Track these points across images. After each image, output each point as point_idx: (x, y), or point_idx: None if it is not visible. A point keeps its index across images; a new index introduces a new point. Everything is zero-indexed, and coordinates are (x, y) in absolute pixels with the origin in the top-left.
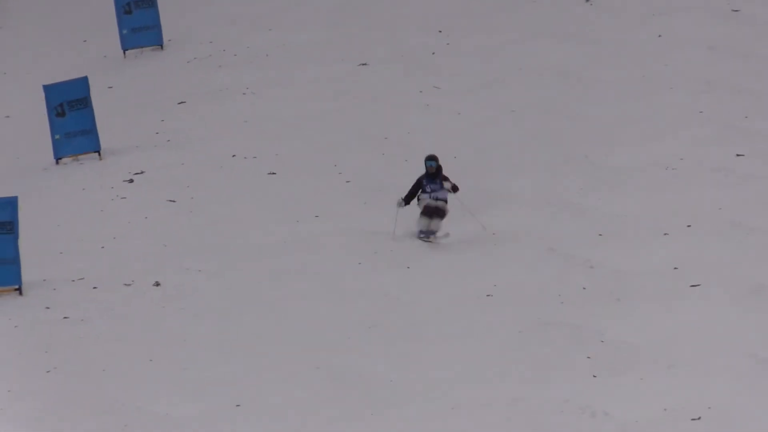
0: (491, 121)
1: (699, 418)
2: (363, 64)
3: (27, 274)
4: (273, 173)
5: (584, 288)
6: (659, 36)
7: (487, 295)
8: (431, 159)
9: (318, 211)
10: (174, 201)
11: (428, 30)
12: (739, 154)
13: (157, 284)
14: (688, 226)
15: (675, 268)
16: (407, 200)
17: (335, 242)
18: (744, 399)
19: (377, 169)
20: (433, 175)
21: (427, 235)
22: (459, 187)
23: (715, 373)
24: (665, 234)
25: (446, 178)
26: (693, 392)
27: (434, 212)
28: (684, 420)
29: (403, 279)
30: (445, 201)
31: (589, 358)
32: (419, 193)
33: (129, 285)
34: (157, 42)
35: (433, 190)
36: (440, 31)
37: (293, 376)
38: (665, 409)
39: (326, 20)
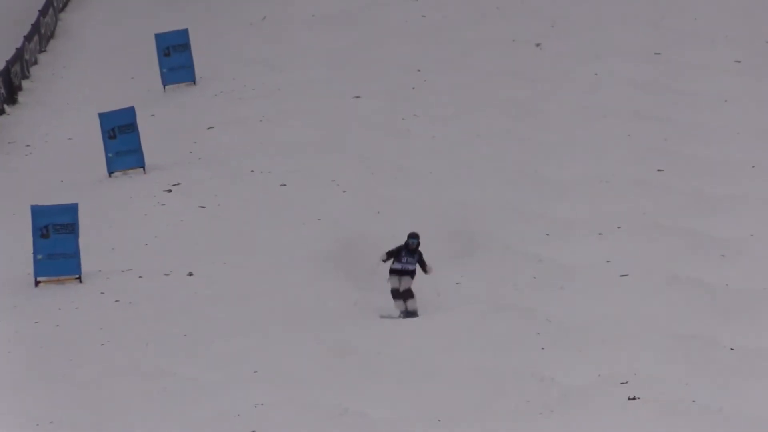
0: (460, 143)
1: (627, 382)
2: (356, 97)
3: (86, 266)
4: (284, 185)
5: (534, 278)
6: (595, 74)
7: (456, 283)
8: (414, 237)
9: (320, 215)
10: (204, 207)
11: (409, 70)
12: (659, 169)
13: (191, 274)
14: (618, 227)
15: (608, 262)
16: (387, 257)
17: (332, 238)
18: (662, 367)
19: (368, 182)
20: (412, 251)
21: (408, 315)
22: (432, 269)
23: (640, 346)
24: (600, 234)
25: (422, 259)
26: (622, 362)
27: (405, 294)
28: (614, 384)
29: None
30: (414, 272)
31: (538, 334)
32: (393, 259)
33: (168, 275)
34: (191, 79)
35: (407, 262)
36: (419, 70)
37: (300, 348)
38: (599, 375)
39: (327, 63)
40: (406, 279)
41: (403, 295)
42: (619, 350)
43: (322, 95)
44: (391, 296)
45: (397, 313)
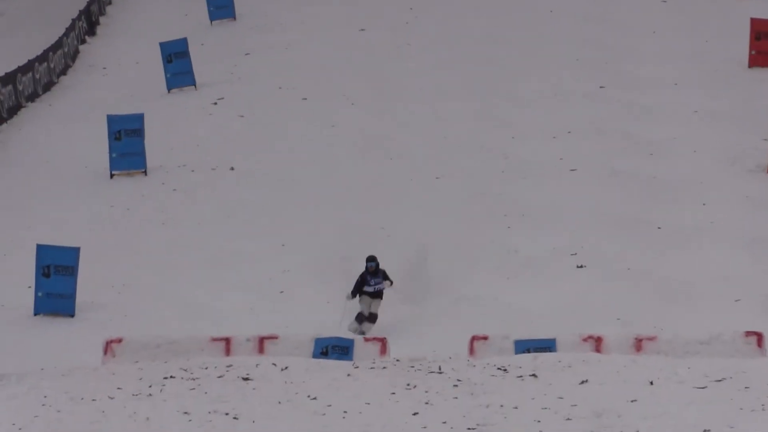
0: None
1: (575, 254)
2: (362, 30)
3: (150, 162)
4: (305, 98)
5: (503, 172)
6: (551, 11)
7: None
8: (372, 260)
9: (334, 122)
10: (242, 116)
11: (403, 8)
12: (601, 86)
13: (232, 168)
14: (569, 132)
15: (560, 159)
16: (353, 294)
17: (347, 140)
18: (604, 241)
19: (372, 96)
20: (374, 273)
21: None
22: (393, 281)
23: (585, 225)
24: (553, 137)
25: (386, 274)
26: (571, 237)
27: (369, 318)
28: (566, 255)
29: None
30: (383, 291)
31: (505, 215)
32: (364, 287)
33: (214, 169)
34: (231, 15)
35: (376, 283)
36: (411, 8)
37: (319, 225)
38: (553, 248)
39: (339, 1)
40: (376, 302)
41: (367, 318)
42: (570, 228)
43: (336, 27)
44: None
45: (352, 327)
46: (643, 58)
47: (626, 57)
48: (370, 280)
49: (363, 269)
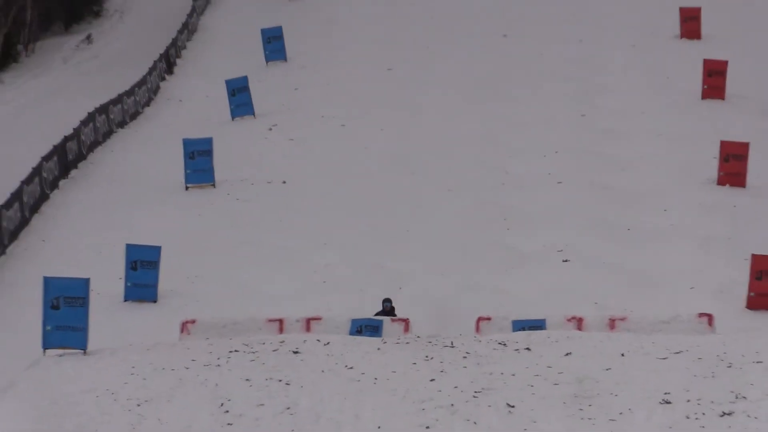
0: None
1: (562, 250)
2: (389, 69)
3: (218, 176)
4: (343, 125)
5: (503, 183)
6: (541, 54)
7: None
8: (387, 301)
9: (367, 144)
10: (292, 139)
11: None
12: (582, 114)
13: (284, 182)
14: (556, 152)
15: (549, 174)
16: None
17: (375, 159)
18: (584, 240)
19: (400, 121)
20: (389, 312)
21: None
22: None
23: (570, 226)
24: (544, 156)
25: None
26: (559, 237)
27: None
28: (554, 251)
29: None
30: None
31: (505, 219)
32: None
33: (269, 182)
34: (283, 58)
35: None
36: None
37: (356, 227)
38: (544, 245)
39: (370, 46)
40: None
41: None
42: (557, 230)
43: (367, 67)
44: None
45: None
46: (616, 92)
47: (602, 91)
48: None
49: (382, 304)
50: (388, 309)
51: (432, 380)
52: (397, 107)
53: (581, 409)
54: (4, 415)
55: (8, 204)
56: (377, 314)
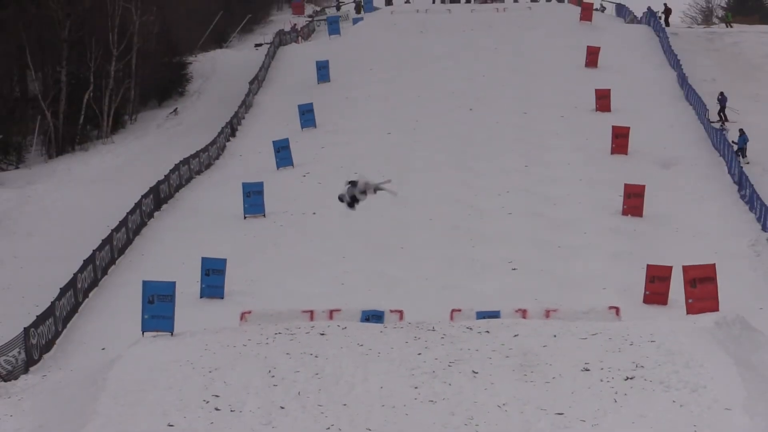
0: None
1: (512, 261)
2: (388, 133)
3: (268, 209)
4: (356, 173)
5: (470, 215)
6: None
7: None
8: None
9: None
10: (321, 183)
11: (412, 117)
12: (525, 165)
13: (314, 213)
14: (508, 192)
15: (509, 262)
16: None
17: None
18: (528, 253)
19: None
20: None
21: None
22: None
23: (517, 244)
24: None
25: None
26: (509, 252)
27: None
28: (506, 262)
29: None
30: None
31: (471, 240)
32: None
33: (303, 213)
34: (313, 125)
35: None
36: (417, 121)
37: (364, 275)
38: (500, 257)
39: (377, 115)
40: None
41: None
42: (508, 247)
43: (373, 131)
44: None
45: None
46: (550, 150)
47: (540, 149)
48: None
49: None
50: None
51: (419, 354)
52: (393, 161)
53: (525, 375)
54: (116, 377)
55: (117, 228)
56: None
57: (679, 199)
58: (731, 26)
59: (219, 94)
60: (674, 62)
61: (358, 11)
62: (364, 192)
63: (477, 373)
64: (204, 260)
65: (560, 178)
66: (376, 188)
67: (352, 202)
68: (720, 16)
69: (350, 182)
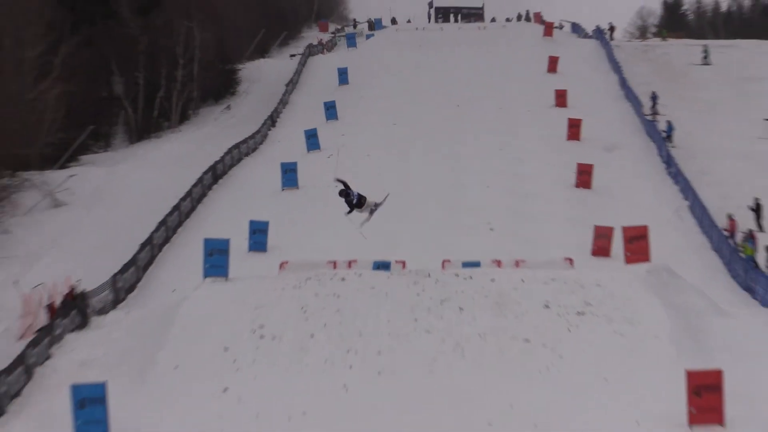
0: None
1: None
2: (394, 124)
3: (300, 183)
4: (368, 155)
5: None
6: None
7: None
8: (342, 193)
9: (388, 180)
10: (350, 167)
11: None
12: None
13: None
14: (487, 186)
15: (488, 224)
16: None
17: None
18: (504, 221)
19: (401, 165)
20: (346, 195)
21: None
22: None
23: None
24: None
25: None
26: (487, 219)
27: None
28: (485, 226)
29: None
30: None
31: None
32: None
33: (327, 186)
34: (335, 117)
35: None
36: (394, 123)
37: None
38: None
39: (384, 115)
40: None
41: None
42: (488, 214)
43: (381, 123)
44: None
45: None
46: (520, 138)
47: (513, 137)
48: (350, 194)
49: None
50: (344, 194)
51: (418, 294)
52: (397, 146)
53: (501, 311)
54: (183, 313)
55: (183, 198)
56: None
57: (620, 176)
58: (666, 40)
59: (262, 94)
60: (617, 69)
61: (370, 29)
62: (366, 207)
63: (462, 309)
64: (251, 222)
65: (527, 159)
66: (377, 205)
67: (351, 210)
68: (653, 32)
69: (345, 187)
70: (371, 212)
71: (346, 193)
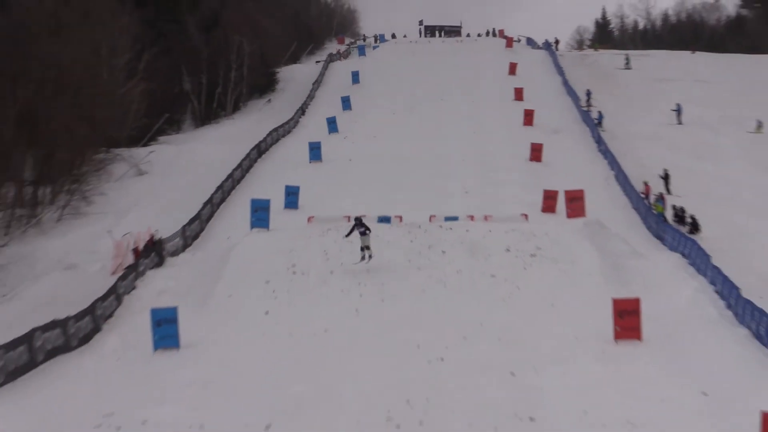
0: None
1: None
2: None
3: (324, 158)
4: (361, 164)
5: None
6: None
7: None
8: (359, 219)
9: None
10: (349, 163)
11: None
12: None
13: (350, 160)
14: (466, 192)
15: (464, 188)
16: (347, 235)
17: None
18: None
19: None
20: (360, 224)
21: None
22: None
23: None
24: (462, 178)
25: (367, 226)
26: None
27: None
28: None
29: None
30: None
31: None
32: (356, 230)
33: (347, 161)
34: (336, 131)
35: (362, 228)
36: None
37: (377, 200)
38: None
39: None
40: (366, 237)
41: (366, 248)
42: (462, 179)
43: (383, 111)
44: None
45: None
46: (488, 122)
47: (483, 122)
48: (359, 228)
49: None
50: (359, 223)
51: (411, 241)
52: (395, 130)
53: (473, 254)
54: (235, 255)
55: (236, 168)
56: (351, 229)
57: (563, 152)
58: (597, 50)
59: (294, 91)
60: (560, 72)
61: (376, 42)
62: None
63: (445, 252)
64: (286, 187)
65: (493, 139)
66: (368, 246)
67: (349, 234)
68: (588, 45)
69: (357, 219)
70: (364, 251)
71: (362, 225)
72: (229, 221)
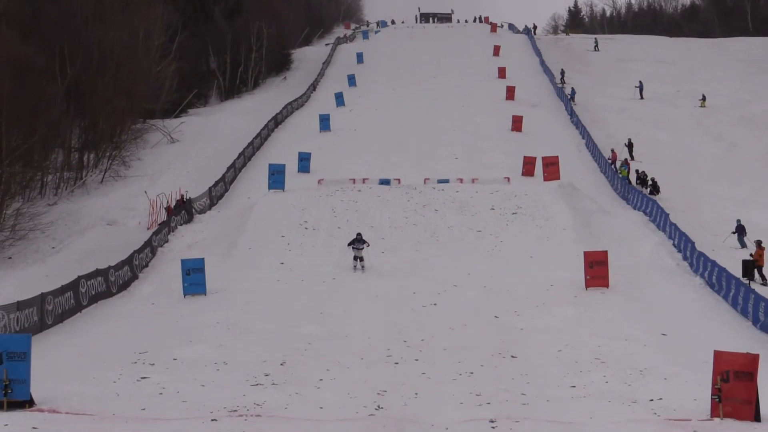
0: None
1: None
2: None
3: (333, 127)
4: (362, 134)
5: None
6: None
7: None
8: (359, 235)
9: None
10: (354, 129)
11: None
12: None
13: (355, 130)
14: (456, 157)
15: (454, 155)
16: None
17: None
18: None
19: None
20: (359, 240)
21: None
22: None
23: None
24: (452, 150)
25: (365, 240)
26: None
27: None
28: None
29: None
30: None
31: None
32: (353, 244)
33: (353, 131)
34: (343, 105)
35: (359, 244)
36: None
37: (383, 163)
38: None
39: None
40: (359, 251)
41: (360, 260)
42: (452, 147)
43: (383, 89)
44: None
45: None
46: (474, 96)
47: (469, 96)
48: (356, 243)
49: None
50: (359, 238)
51: (408, 201)
52: (394, 105)
53: (462, 212)
54: (255, 212)
55: (256, 137)
56: (352, 241)
57: (540, 123)
58: (569, 34)
59: (307, 69)
60: (538, 53)
61: (378, 27)
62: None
63: (437, 210)
64: (299, 153)
65: (479, 112)
66: (361, 258)
67: (351, 243)
68: (562, 30)
69: (358, 236)
70: (356, 261)
71: (361, 242)
72: (249, 183)
